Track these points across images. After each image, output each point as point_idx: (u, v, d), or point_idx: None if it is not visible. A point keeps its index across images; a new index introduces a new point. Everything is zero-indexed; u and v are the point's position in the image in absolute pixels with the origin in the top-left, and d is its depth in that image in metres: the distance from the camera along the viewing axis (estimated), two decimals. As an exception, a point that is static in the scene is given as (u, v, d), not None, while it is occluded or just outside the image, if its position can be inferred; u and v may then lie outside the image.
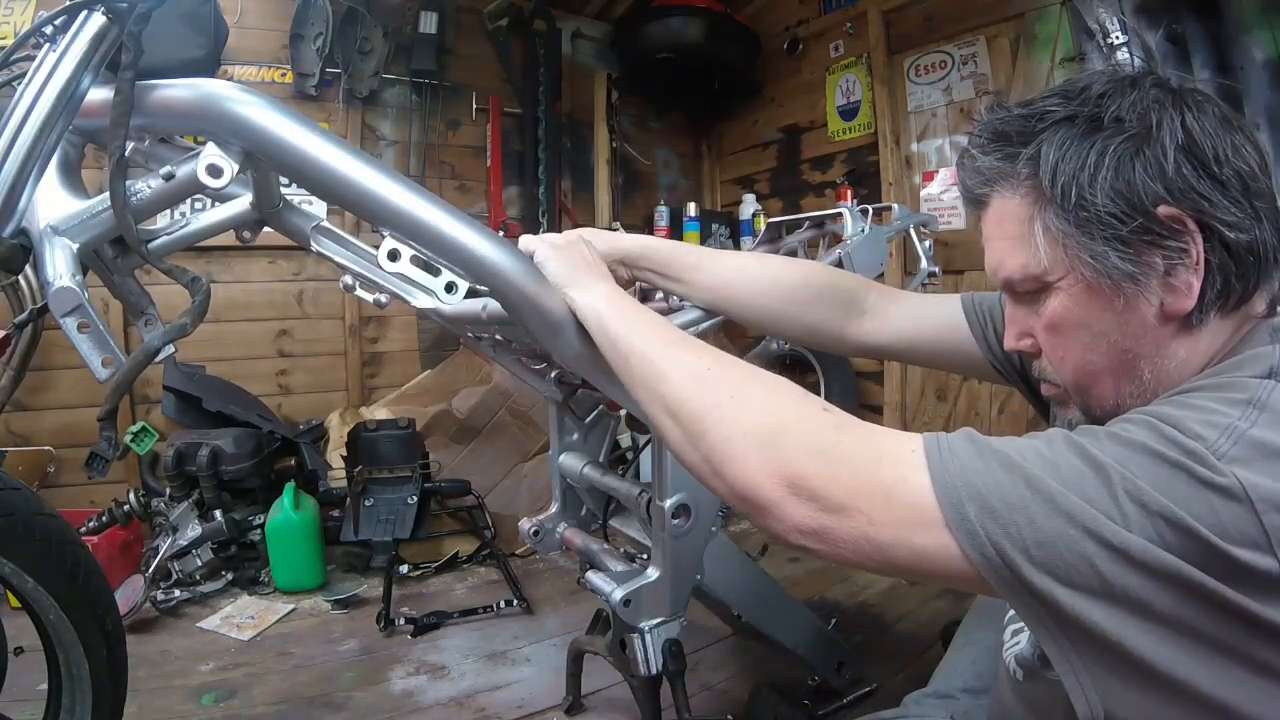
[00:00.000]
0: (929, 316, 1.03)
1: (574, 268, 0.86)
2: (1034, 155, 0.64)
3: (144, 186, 0.84)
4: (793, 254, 1.94)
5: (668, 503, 1.20)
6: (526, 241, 0.90)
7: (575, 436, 1.46)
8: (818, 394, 2.32)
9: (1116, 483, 0.51)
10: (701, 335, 1.52)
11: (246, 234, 1.03)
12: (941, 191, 3.12)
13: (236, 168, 0.78)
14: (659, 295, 1.52)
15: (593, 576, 1.30)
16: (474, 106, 3.61)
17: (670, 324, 0.77)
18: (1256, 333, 0.63)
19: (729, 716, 1.55)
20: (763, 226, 2.04)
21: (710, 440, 0.62)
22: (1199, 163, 0.60)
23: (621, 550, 1.40)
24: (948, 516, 0.53)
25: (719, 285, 1.10)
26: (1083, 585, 0.50)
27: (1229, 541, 0.48)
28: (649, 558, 1.28)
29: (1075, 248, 0.63)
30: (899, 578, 0.54)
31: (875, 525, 0.55)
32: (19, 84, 0.77)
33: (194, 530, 2.24)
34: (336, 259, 1.00)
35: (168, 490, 2.36)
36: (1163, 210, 0.60)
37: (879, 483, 0.56)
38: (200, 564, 2.25)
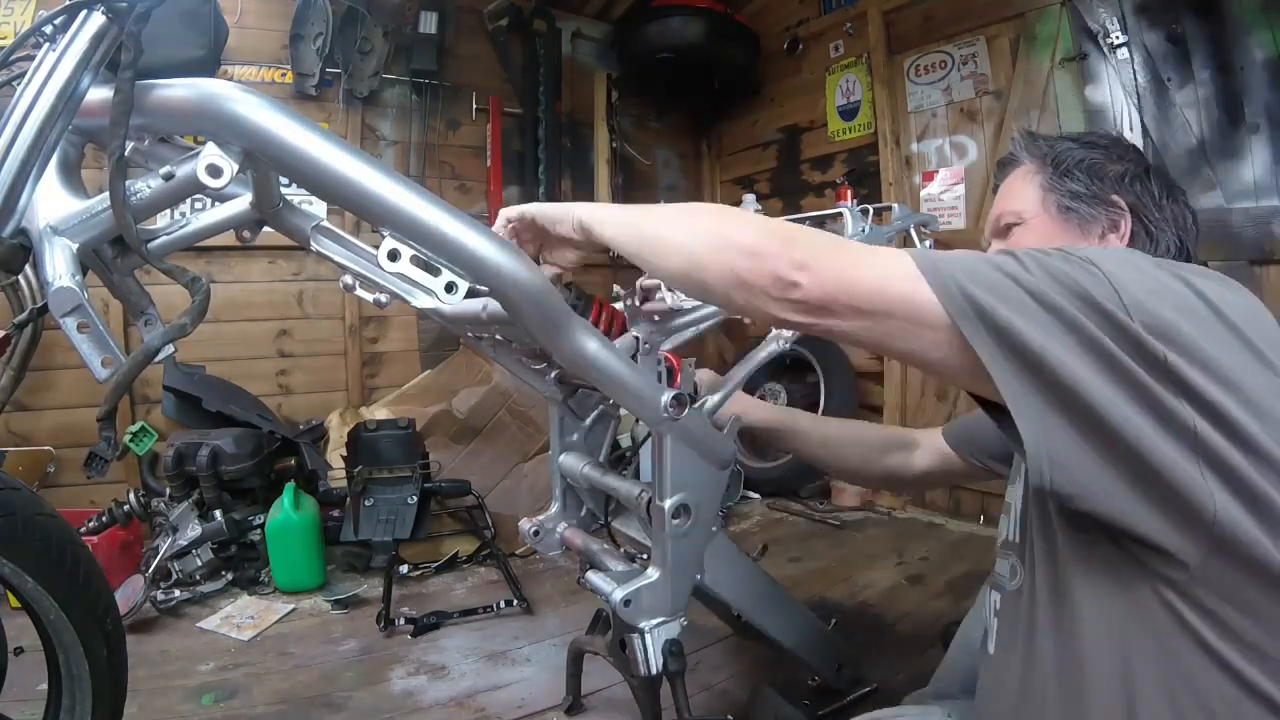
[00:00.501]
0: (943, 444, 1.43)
1: (561, 206, 1.01)
2: (1051, 146, 1.01)
3: (144, 186, 0.83)
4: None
5: (668, 503, 1.19)
6: (507, 211, 1.04)
7: (575, 436, 1.46)
8: (818, 394, 2.38)
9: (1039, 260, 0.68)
10: (702, 333, 1.53)
11: (246, 234, 1.03)
12: (941, 191, 3.12)
13: (236, 168, 0.78)
14: (659, 295, 1.52)
15: (593, 576, 1.29)
16: (474, 106, 3.62)
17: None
18: None
19: (729, 717, 1.55)
20: (763, 226, 2.03)
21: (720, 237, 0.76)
22: (1146, 187, 0.95)
23: (621, 550, 1.40)
24: (924, 271, 0.67)
25: (821, 448, 1.54)
26: (1027, 311, 0.63)
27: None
28: (649, 558, 1.28)
29: (1052, 196, 0.97)
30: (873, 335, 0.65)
31: (859, 268, 0.70)
32: (19, 83, 0.77)
33: (194, 530, 2.24)
34: (336, 259, 1.00)
35: (168, 490, 2.36)
36: (1115, 196, 0.94)
37: (862, 248, 0.73)
38: (200, 564, 2.25)
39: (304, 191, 0.84)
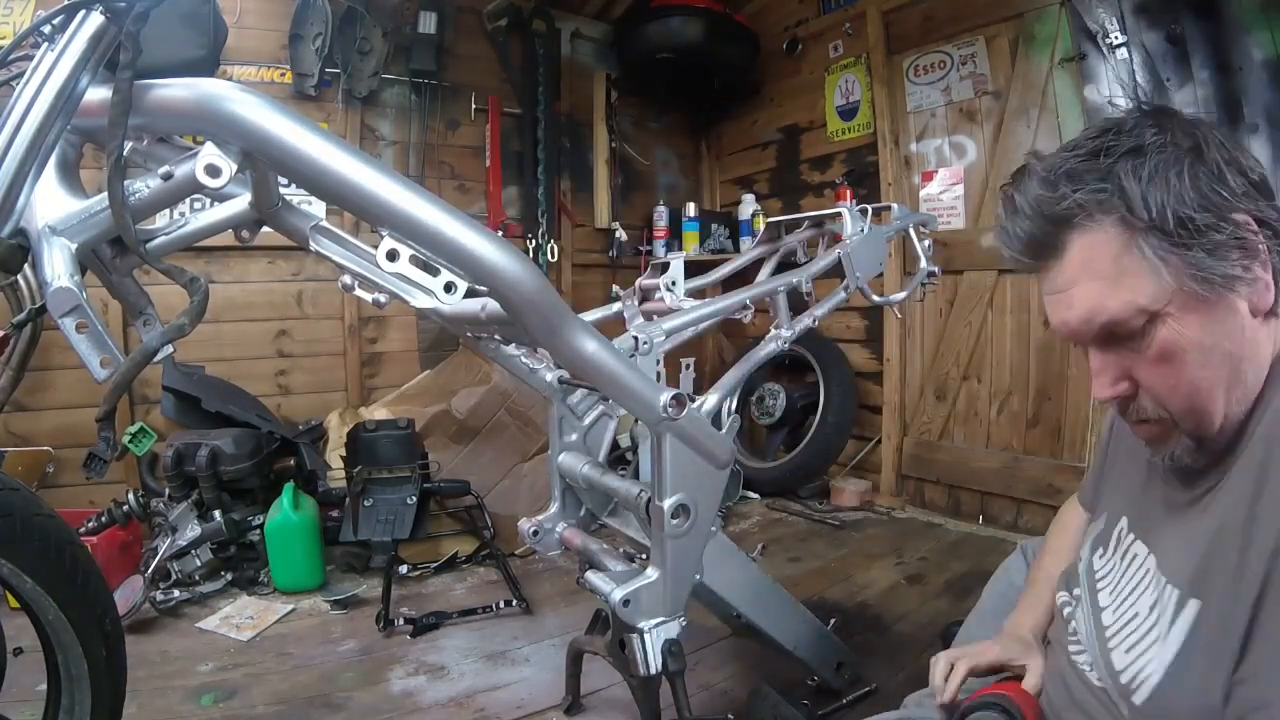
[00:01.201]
0: None
1: None
2: (1120, 185, 0.65)
3: (142, 186, 0.84)
4: (792, 253, 1.95)
5: (667, 503, 1.20)
6: None
7: (574, 437, 1.46)
8: (817, 394, 2.31)
9: None
10: (701, 335, 1.52)
11: (245, 234, 1.03)
12: (941, 191, 3.12)
13: (235, 168, 0.78)
14: (658, 295, 1.52)
15: (592, 576, 1.29)
16: (473, 107, 3.61)
17: None
18: None
19: (729, 716, 1.55)
20: (762, 226, 2.04)
21: None
22: (1239, 171, 0.66)
23: (621, 550, 1.40)
24: None
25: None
26: None
27: None
28: (648, 558, 1.28)
29: (1180, 265, 0.64)
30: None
31: None
32: (17, 83, 0.77)
33: (193, 530, 2.24)
34: (335, 259, 1.00)
35: (167, 490, 2.36)
36: (1237, 215, 0.64)
37: None
38: (199, 564, 2.25)
39: (303, 191, 0.85)
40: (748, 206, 3.98)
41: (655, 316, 1.42)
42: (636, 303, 1.52)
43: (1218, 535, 0.66)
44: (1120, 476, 0.90)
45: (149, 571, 2.11)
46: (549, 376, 1.40)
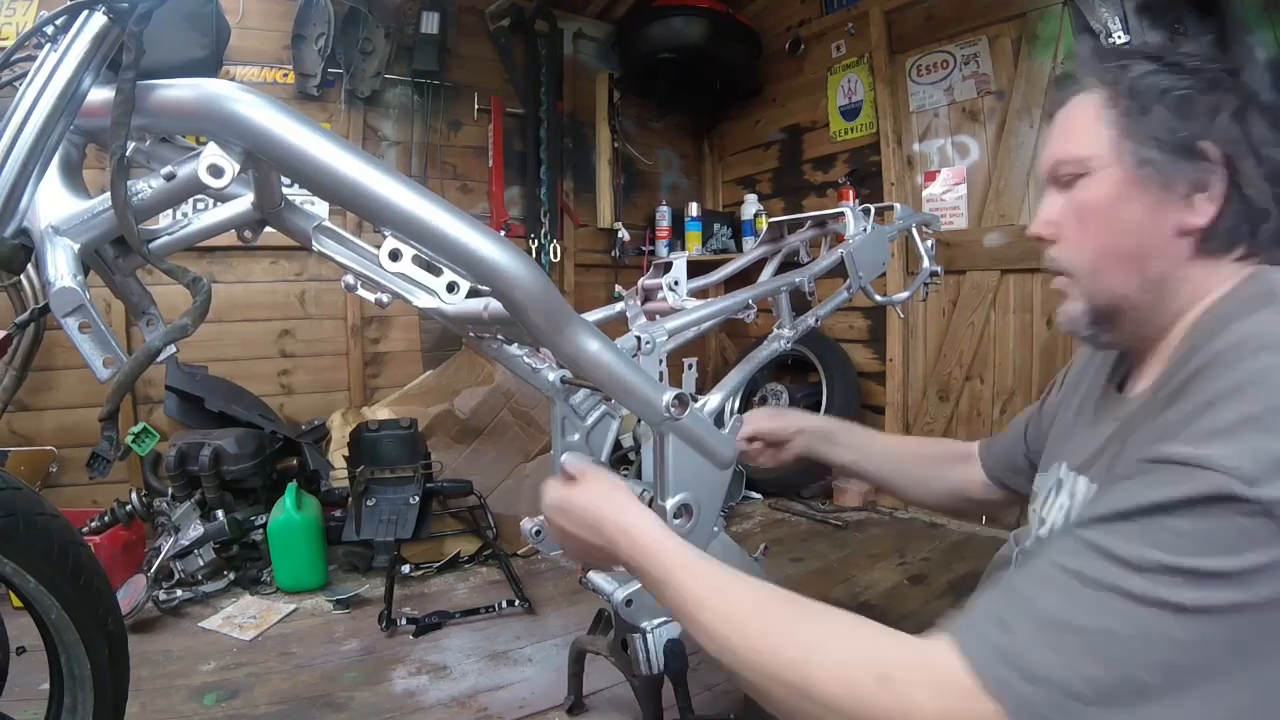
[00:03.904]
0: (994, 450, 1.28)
1: (586, 552, 0.91)
2: (1124, 67, 0.77)
3: (145, 186, 0.84)
4: (794, 253, 1.94)
5: (670, 502, 1.19)
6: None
7: (577, 437, 1.45)
8: (820, 394, 2.32)
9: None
10: (703, 335, 1.52)
11: (248, 234, 1.03)
12: (944, 191, 3.12)
13: (238, 168, 0.78)
14: (660, 295, 1.52)
15: (594, 576, 1.29)
16: (476, 107, 3.61)
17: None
18: (1254, 281, 0.71)
19: (731, 716, 1.55)
20: (764, 226, 2.03)
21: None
22: (1245, 130, 0.72)
23: (623, 550, 1.39)
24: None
25: (880, 460, 1.38)
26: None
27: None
28: (651, 558, 1.28)
29: (1128, 143, 0.75)
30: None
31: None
32: (20, 84, 0.77)
33: (196, 530, 2.24)
34: (338, 259, 1.00)
35: (170, 490, 2.37)
36: (1205, 144, 0.72)
37: None
38: (202, 564, 2.25)
39: (306, 192, 0.85)
40: (750, 206, 3.98)
41: (658, 316, 1.42)
42: (639, 302, 1.52)
43: (1115, 432, 0.76)
44: (1059, 434, 0.98)
45: (152, 571, 2.11)
46: (551, 376, 1.40)
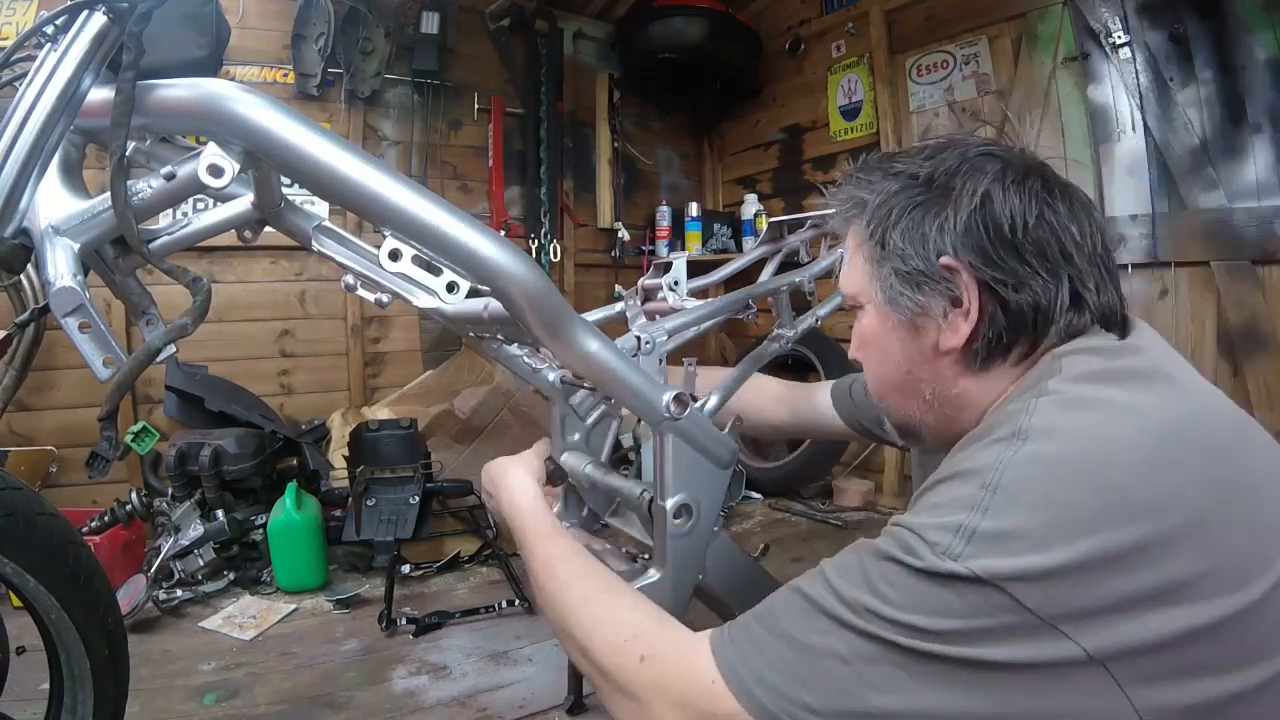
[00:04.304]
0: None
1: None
2: (865, 199, 0.78)
3: (145, 186, 0.83)
4: (794, 253, 1.94)
5: (669, 503, 1.19)
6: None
7: (577, 436, 1.46)
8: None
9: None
10: (703, 335, 1.52)
11: (248, 234, 1.03)
12: (943, 191, 3.11)
13: (238, 167, 0.78)
14: (660, 295, 1.52)
15: (594, 576, 1.29)
16: (476, 107, 3.62)
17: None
18: (1038, 368, 0.71)
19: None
20: (764, 226, 2.03)
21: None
22: (992, 227, 0.69)
23: (623, 550, 1.39)
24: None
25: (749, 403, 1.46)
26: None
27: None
28: (651, 558, 1.28)
29: (876, 278, 0.77)
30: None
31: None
32: (20, 84, 0.77)
33: (196, 530, 2.24)
34: (338, 259, 1.00)
35: (170, 490, 2.37)
36: (944, 260, 0.70)
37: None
38: (202, 563, 2.25)
39: (306, 191, 0.85)
40: (750, 206, 3.97)
41: (658, 316, 1.42)
42: (639, 302, 1.52)
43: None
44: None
45: (152, 571, 2.11)
46: (551, 376, 1.40)
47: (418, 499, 2.53)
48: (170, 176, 0.82)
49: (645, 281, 1.55)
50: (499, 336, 1.25)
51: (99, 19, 0.75)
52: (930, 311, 0.73)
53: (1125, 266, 2.44)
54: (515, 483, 1.17)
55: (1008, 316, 0.70)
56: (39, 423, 2.75)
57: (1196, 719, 0.55)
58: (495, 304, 0.92)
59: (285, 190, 0.97)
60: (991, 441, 0.62)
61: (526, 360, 1.38)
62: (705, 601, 1.44)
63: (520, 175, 3.76)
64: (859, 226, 0.79)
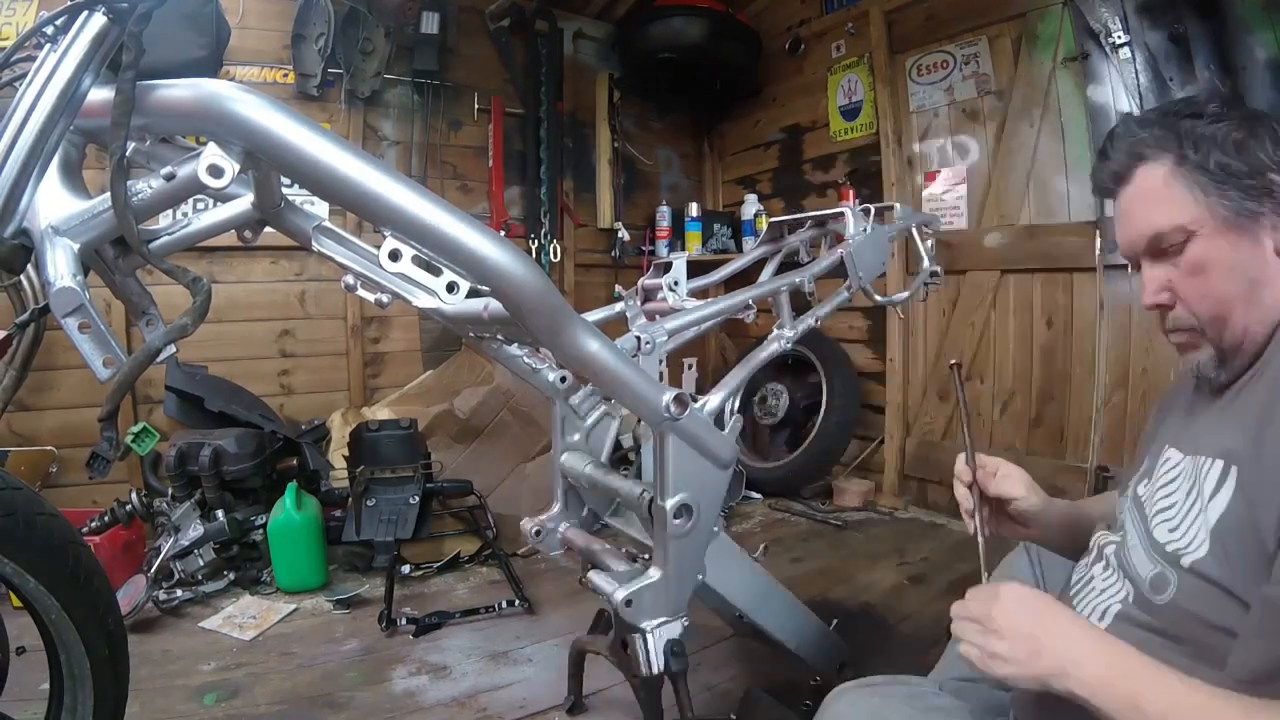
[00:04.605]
0: None
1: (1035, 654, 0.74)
2: (1178, 134, 0.83)
3: (145, 186, 0.84)
4: (794, 253, 1.94)
5: (669, 502, 1.19)
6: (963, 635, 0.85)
7: (577, 436, 1.46)
8: (819, 393, 2.30)
9: None
10: (703, 335, 1.52)
11: (248, 234, 1.03)
12: (944, 191, 3.11)
13: (237, 168, 0.78)
14: (660, 295, 1.52)
15: (594, 576, 1.29)
16: (476, 107, 3.62)
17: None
18: None
19: (731, 716, 1.55)
20: (764, 226, 2.03)
21: None
22: None
23: (623, 550, 1.40)
24: None
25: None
26: None
27: None
28: (651, 558, 1.28)
29: (1215, 197, 0.80)
30: None
31: None
32: (20, 84, 0.77)
33: (196, 530, 2.24)
34: (338, 259, 1.00)
35: (170, 490, 2.37)
36: (1273, 175, 0.79)
37: None
38: (202, 564, 2.25)
39: (305, 192, 0.85)
40: (750, 206, 3.98)
41: (658, 316, 1.42)
42: (639, 303, 1.52)
43: (1246, 417, 0.77)
44: (1162, 432, 0.97)
45: (152, 571, 2.11)
46: (551, 376, 1.40)
47: (418, 499, 2.53)
48: (170, 177, 0.82)
49: (645, 281, 1.55)
50: (499, 336, 1.25)
51: (99, 19, 0.75)
52: (1264, 218, 0.80)
53: (1125, 266, 2.44)
54: (1058, 620, 0.77)
55: None
56: (39, 423, 2.75)
57: None
58: (495, 304, 0.92)
59: (285, 190, 0.97)
60: None
61: (526, 360, 1.38)
62: (706, 601, 1.44)
63: (520, 175, 3.76)
64: (1166, 155, 0.83)
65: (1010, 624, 0.76)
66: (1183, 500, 0.80)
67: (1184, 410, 0.93)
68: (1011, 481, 1.06)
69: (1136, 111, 0.81)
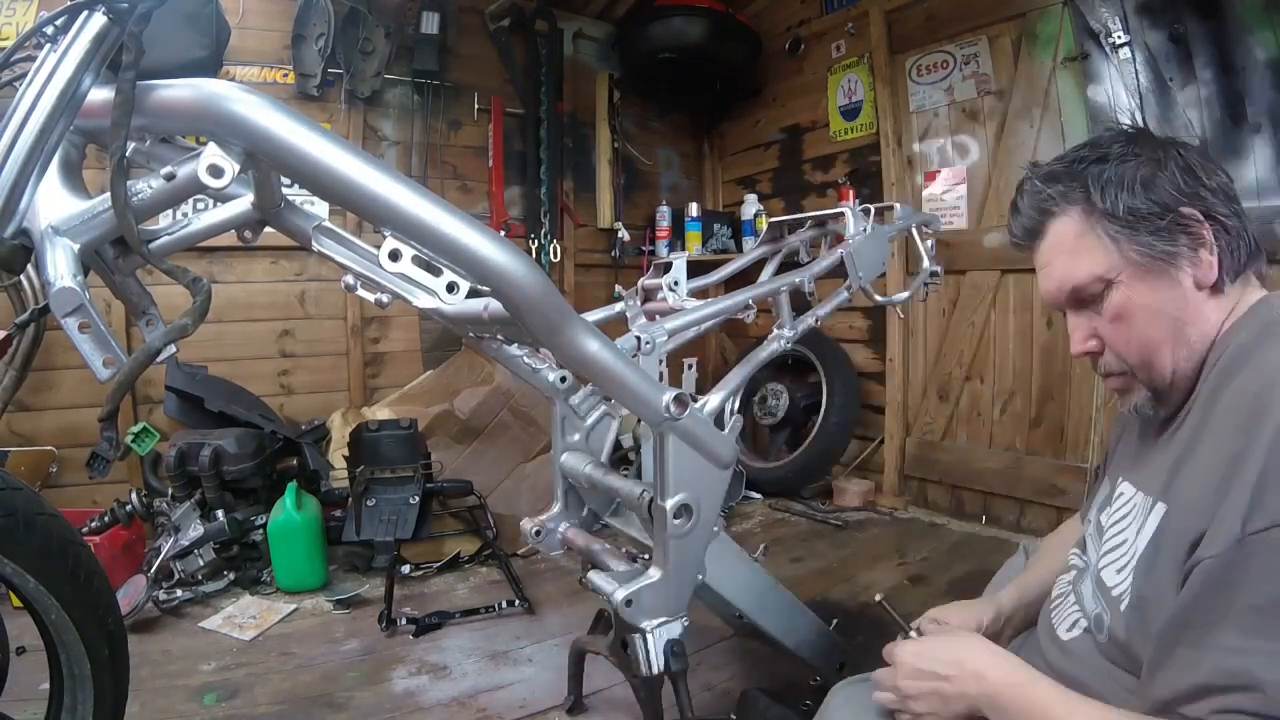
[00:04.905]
0: None
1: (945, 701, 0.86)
2: (1084, 184, 0.83)
3: (145, 187, 0.84)
4: (794, 253, 1.94)
5: (669, 502, 1.19)
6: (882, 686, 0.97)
7: (577, 437, 1.46)
8: (819, 393, 2.30)
9: None
10: (703, 335, 1.52)
11: (248, 234, 1.03)
12: (944, 191, 3.12)
13: (237, 168, 0.78)
14: (660, 295, 1.52)
15: (594, 576, 1.29)
16: (476, 107, 3.62)
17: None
18: (1251, 293, 0.83)
19: (731, 716, 1.55)
20: (764, 226, 2.03)
21: None
22: (1196, 178, 0.81)
23: (623, 550, 1.39)
24: None
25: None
26: None
27: None
28: (651, 558, 1.28)
29: (1128, 244, 0.81)
30: None
31: None
32: (20, 84, 0.77)
33: (196, 530, 2.24)
34: (338, 259, 1.00)
35: (170, 490, 2.37)
36: (1184, 209, 0.80)
37: None
38: (202, 564, 2.25)
39: (305, 192, 0.85)
40: (750, 206, 3.98)
41: (658, 316, 1.42)
42: (639, 303, 1.52)
43: (1182, 452, 0.78)
44: (1119, 455, 1.00)
45: (152, 571, 2.11)
46: (551, 376, 1.40)
47: (418, 499, 2.53)
48: (170, 177, 0.82)
49: (645, 281, 1.55)
50: (499, 336, 1.25)
51: (99, 19, 0.75)
52: (1182, 255, 0.80)
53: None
54: (973, 652, 0.88)
55: (1233, 242, 0.81)
56: (39, 423, 2.75)
57: None
58: (495, 304, 0.92)
59: (285, 190, 0.97)
60: None
61: (526, 360, 1.38)
62: (706, 601, 1.44)
63: (520, 175, 3.76)
64: (1076, 207, 0.84)
65: (914, 687, 0.89)
66: (1132, 539, 0.82)
67: (1138, 436, 0.94)
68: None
69: (1044, 162, 0.79)
